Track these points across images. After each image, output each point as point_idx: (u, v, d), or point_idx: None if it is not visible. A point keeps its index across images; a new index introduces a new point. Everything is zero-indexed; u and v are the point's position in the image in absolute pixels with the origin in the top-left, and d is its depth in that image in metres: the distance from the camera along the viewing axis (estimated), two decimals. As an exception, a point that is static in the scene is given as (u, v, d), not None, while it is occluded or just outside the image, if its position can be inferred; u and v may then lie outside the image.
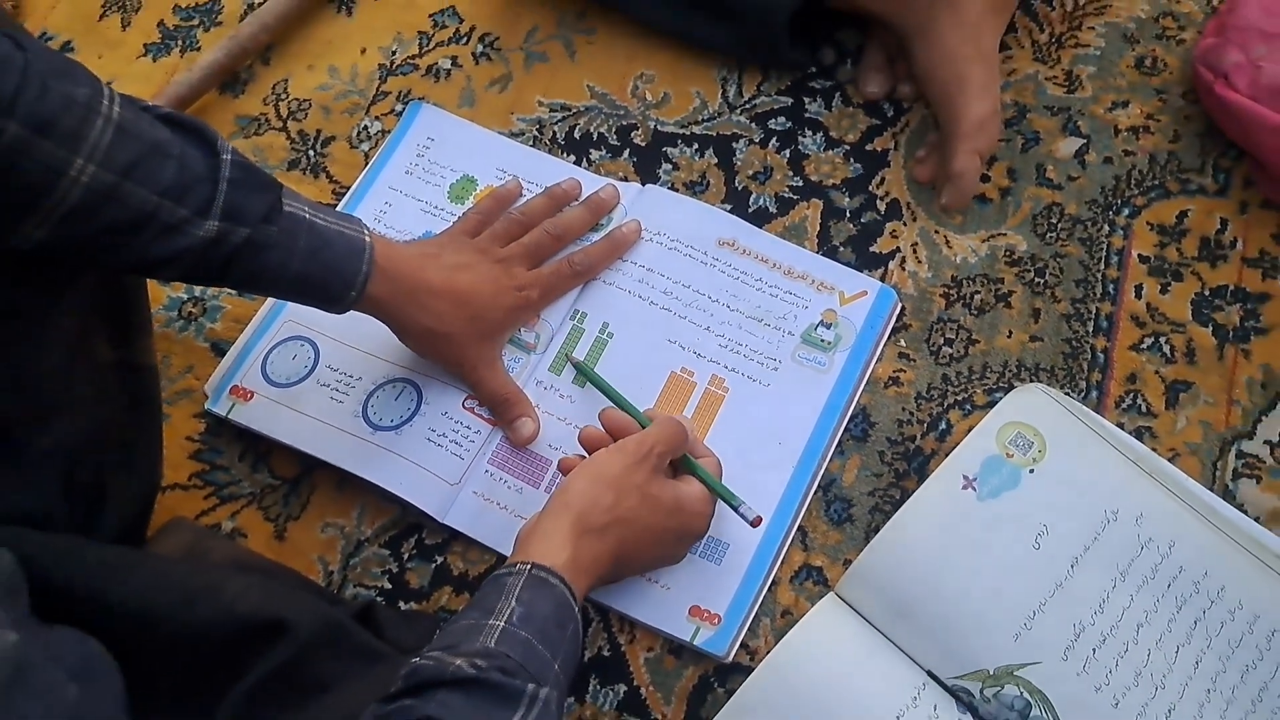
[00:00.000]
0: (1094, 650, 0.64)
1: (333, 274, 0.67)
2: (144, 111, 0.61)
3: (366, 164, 0.88)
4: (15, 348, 0.61)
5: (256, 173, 0.64)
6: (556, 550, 0.61)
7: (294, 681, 0.61)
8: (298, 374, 0.78)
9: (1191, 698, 0.64)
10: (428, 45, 0.94)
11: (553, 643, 0.57)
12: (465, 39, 0.94)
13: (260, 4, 0.97)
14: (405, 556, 0.74)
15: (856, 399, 0.76)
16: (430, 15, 0.96)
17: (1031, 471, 0.70)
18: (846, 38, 0.89)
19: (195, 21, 0.98)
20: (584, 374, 0.75)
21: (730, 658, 0.69)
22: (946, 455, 0.71)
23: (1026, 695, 0.64)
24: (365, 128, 0.91)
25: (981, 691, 0.64)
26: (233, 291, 0.83)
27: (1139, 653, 0.65)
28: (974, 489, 0.69)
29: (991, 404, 0.74)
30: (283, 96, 0.93)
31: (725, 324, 0.78)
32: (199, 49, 0.96)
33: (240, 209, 0.62)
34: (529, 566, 0.59)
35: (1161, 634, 0.65)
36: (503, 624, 0.56)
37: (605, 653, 0.70)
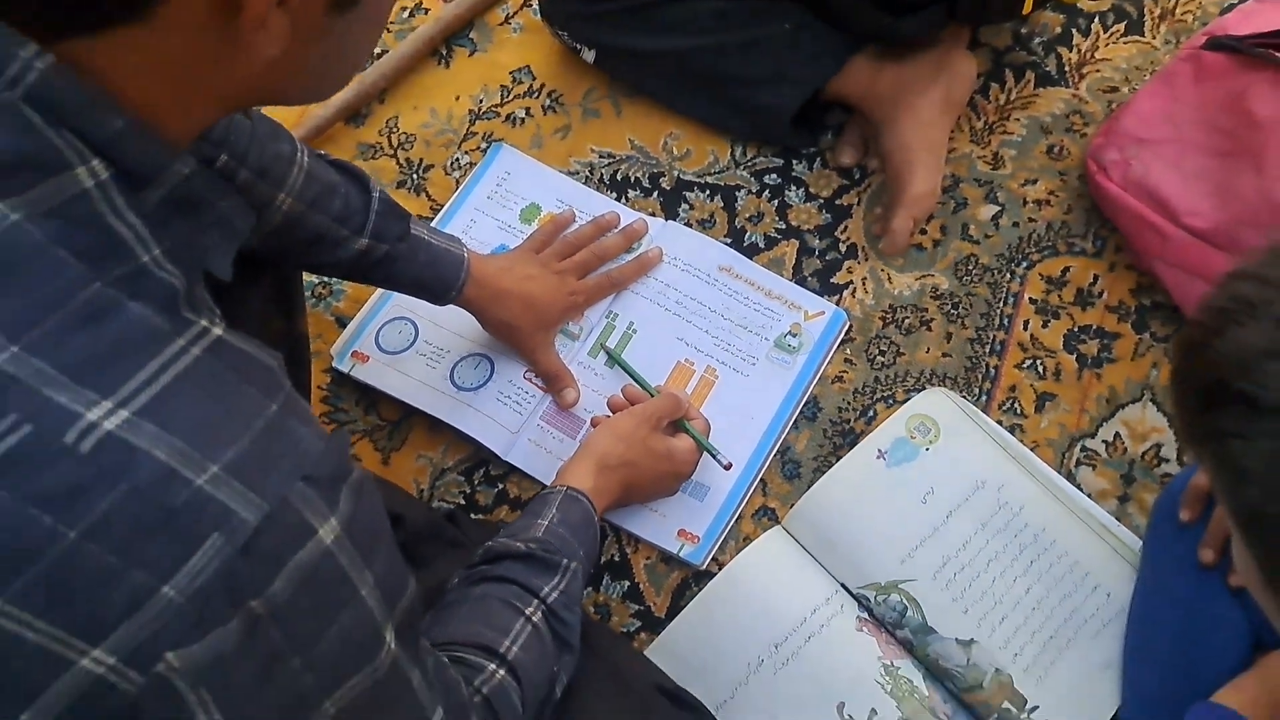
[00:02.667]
0: (955, 574, 0.92)
1: (440, 280, 0.95)
2: (320, 158, 0.90)
3: (457, 188, 1.16)
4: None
5: (395, 206, 0.92)
6: (583, 479, 0.89)
7: (405, 558, 0.89)
8: (403, 345, 1.07)
9: (1020, 611, 0.91)
10: (508, 96, 1.22)
11: (580, 538, 0.84)
12: (537, 94, 1.21)
13: (380, 55, 1.24)
14: (476, 482, 1.03)
15: (810, 390, 1.03)
16: (510, 72, 1.23)
17: (927, 450, 0.98)
18: (831, 117, 1.16)
19: (327, 64, 1.26)
20: (613, 358, 1.04)
21: (705, 566, 0.97)
22: (870, 435, 0.99)
23: (905, 601, 0.92)
24: (457, 159, 1.19)
25: (875, 597, 0.92)
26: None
27: (987, 578, 0.92)
28: (885, 459, 0.97)
29: (908, 400, 1.01)
30: (394, 130, 1.21)
31: (719, 329, 1.05)
32: (330, 87, 1.24)
33: (383, 232, 0.91)
34: (565, 489, 0.88)
35: (1005, 568, 0.93)
36: (547, 523, 0.84)
37: (615, 559, 0.99)
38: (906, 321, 1.06)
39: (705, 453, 0.97)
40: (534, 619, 0.77)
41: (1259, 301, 0.52)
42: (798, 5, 1.08)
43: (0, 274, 0.42)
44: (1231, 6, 1.14)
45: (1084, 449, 1.00)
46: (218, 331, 0.49)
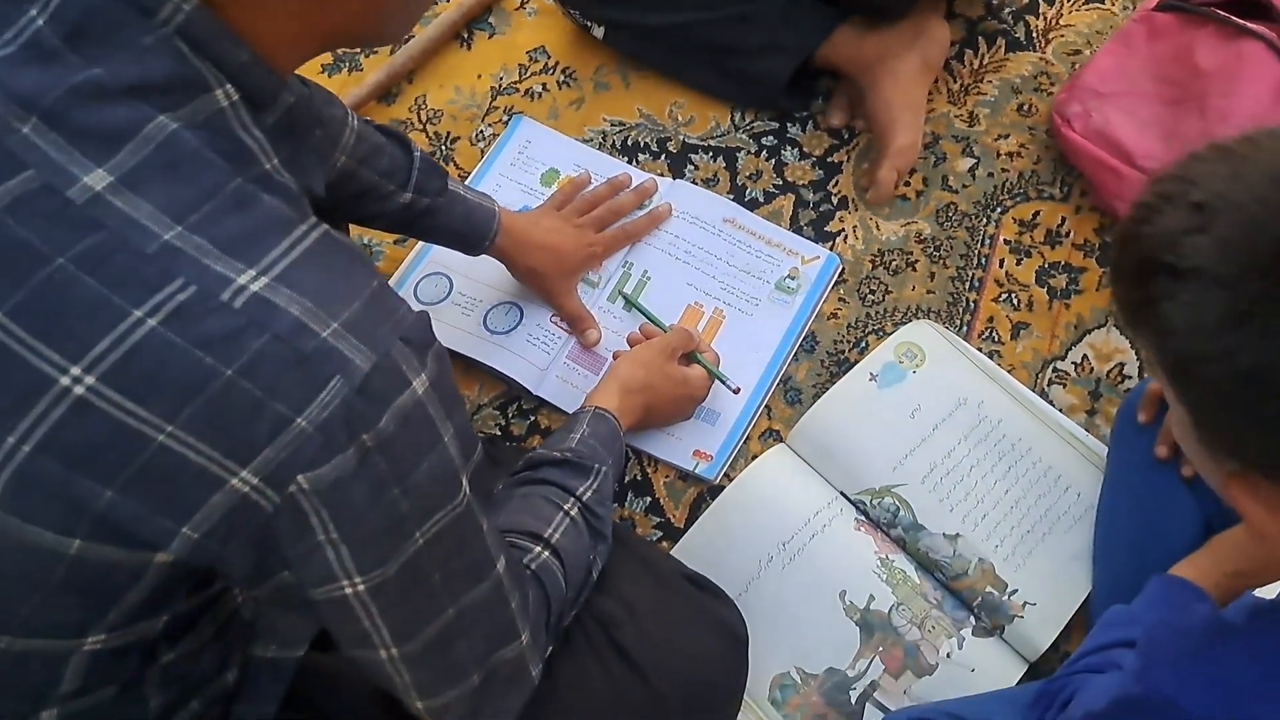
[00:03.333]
0: (941, 479, 1.03)
1: (475, 231, 1.06)
2: (367, 123, 1.01)
3: (482, 157, 1.27)
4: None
5: (434, 164, 1.04)
6: (609, 400, 1.00)
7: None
8: (439, 297, 1.18)
9: (1000, 509, 1.02)
10: (525, 74, 1.33)
11: (608, 448, 0.95)
12: (552, 70, 1.33)
13: (408, 40, 1.36)
14: (510, 415, 1.14)
15: (808, 326, 1.14)
16: (527, 52, 1.35)
17: (914, 373, 1.09)
18: (821, 83, 1.27)
19: (358, 50, 1.37)
20: (630, 302, 1.15)
21: (718, 481, 1.08)
22: (863, 363, 1.10)
23: (897, 503, 1.03)
24: (481, 132, 1.30)
25: (871, 501, 1.03)
26: (394, 241, 1.23)
27: (970, 482, 1.03)
28: (876, 381, 1.08)
29: (897, 331, 1.12)
30: (423, 107, 1.32)
31: (725, 274, 1.17)
32: (361, 70, 1.36)
33: (425, 186, 1.02)
34: (594, 408, 0.99)
35: (986, 472, 1.04)
36: (579, 436, 0.95)
37: (638, 477, 1.10)
38: (894, 263, 1.18)
39: (715, 380, 1.08)
40: (571, 513, 0.87)
41: (1176, 193, 0.63)
42: (788, -19, 1.20)
43: (167, 169, 0.53)
44: (1180, -27, 1.25)
45: (1055, 370, 1.11)
46: (324, 225, 0.60)
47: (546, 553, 0.83)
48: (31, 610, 0.58)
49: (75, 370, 0.51)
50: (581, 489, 0.90)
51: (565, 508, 0.88)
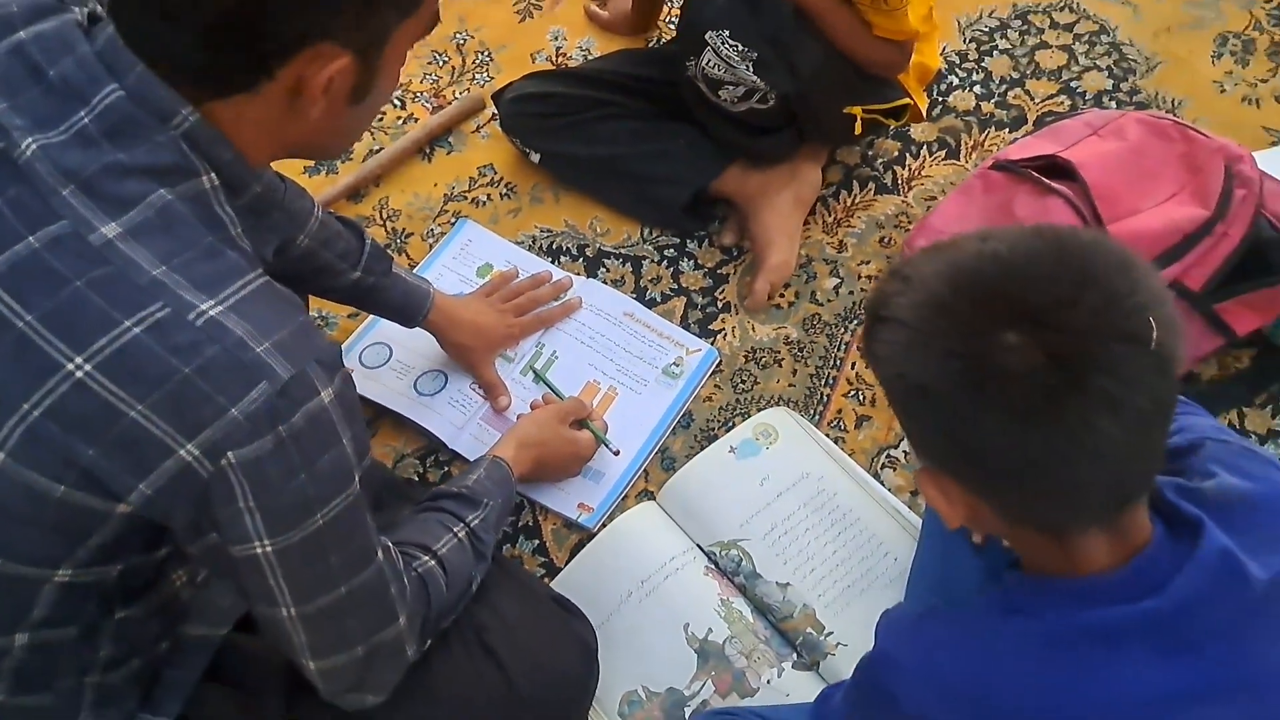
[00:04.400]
0: (779, 537, 1.24)
1: (411, 306, 1.29)
2: (330, 214, 1.24)
3: (430, 250, 1.51)
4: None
5: (382, 250, 1.27)
6: (506, 451, 1.20)
7: (374, 506, 1.20)
8: (379, 362, 1.40)
9: (827, 565, 1.22)
10: (474, 185, 1.58)
11: (500, 489, 1.15)
12: (497, 184, 1.58)
13: (377, 151, 1.61)
14: (428, 465, 1.34)
15: (687, 406, 1.36)
16: (478, 168, 1.60)
17: (768, 449, 1.30)
18: (718, 209, 1.52)
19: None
20: (538, 376, 1.37)
21: (596, 531, 1.28)
22: (728, 439, 1.32)
23: (741, 555, 1.23)
24: (431, 230, 1.54)
25: (720, 551, 1.23)
26: (348, 315, 1.45)
27: (804, 541, 1.24)
28: (735, 454, 1.30)
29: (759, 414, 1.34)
30: (385, 206, 1.56)
31: (621, 358, 1.39)
32: (337, 173, 1.60)
33: (372, 268, 1.25)
34: (493, 456, 1.19)
35: (819, 535, 1.24)
36: (476, 476, 1.15)
37: (529, 524, 1.29)
38: (764, 359, 1.40)
39: (601, 444, 1.29)
40: (459, 535, 1.07)
41: (897, 270, 0.83)
42: (690, 127, 1.46)
43: (161, 227, 0.75)
44: (1015, 140, 1.52)
45: (888, 456, 1.33)
46: (268, 277, 0.82)
47: (433, 562, 1.02)
48: (24, 541, 0.77)
49: (78, 359, 0.72)
50: (471, 517, 1.09)
51: (455, 530, 1.07)
